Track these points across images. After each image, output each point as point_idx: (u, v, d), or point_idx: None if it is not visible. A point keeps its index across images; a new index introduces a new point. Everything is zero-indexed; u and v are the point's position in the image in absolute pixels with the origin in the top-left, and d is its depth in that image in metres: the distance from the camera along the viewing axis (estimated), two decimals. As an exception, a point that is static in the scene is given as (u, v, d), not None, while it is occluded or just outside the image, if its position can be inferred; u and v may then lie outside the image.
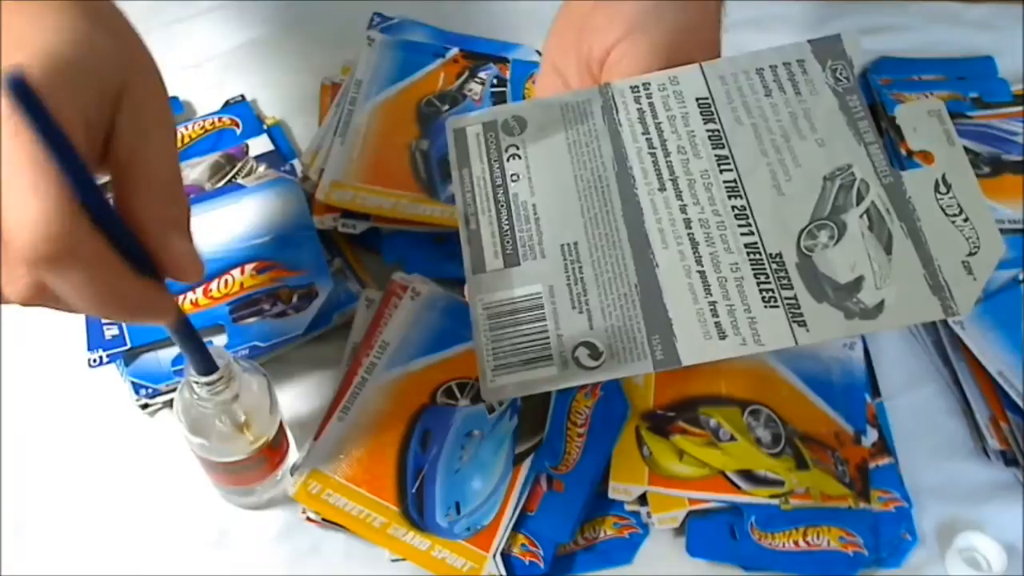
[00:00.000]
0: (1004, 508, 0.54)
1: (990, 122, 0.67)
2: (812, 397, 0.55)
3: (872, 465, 0.53)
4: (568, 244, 0.38)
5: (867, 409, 0.55)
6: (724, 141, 0.39)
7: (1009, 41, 0.72)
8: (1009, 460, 0.55)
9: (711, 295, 0.36)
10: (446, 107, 0.65)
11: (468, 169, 0.40)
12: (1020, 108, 0.68)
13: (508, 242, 0.38)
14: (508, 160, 0.40)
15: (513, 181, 0.40)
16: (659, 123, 0.39)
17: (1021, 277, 0.59)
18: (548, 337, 0.36)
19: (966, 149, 0.64)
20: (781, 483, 0.52)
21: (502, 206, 0.39)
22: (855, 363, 0.57)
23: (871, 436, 0.54)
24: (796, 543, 0.51)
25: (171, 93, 0.66)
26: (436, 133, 0.63)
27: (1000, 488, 0.55)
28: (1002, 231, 0.61)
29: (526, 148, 0.40)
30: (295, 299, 0.56)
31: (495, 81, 0.66)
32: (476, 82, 0.66)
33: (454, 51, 0.68)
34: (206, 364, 0.42)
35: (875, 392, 0.57)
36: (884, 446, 0.55)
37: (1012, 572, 0.51)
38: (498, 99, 0.66)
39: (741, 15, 0.73)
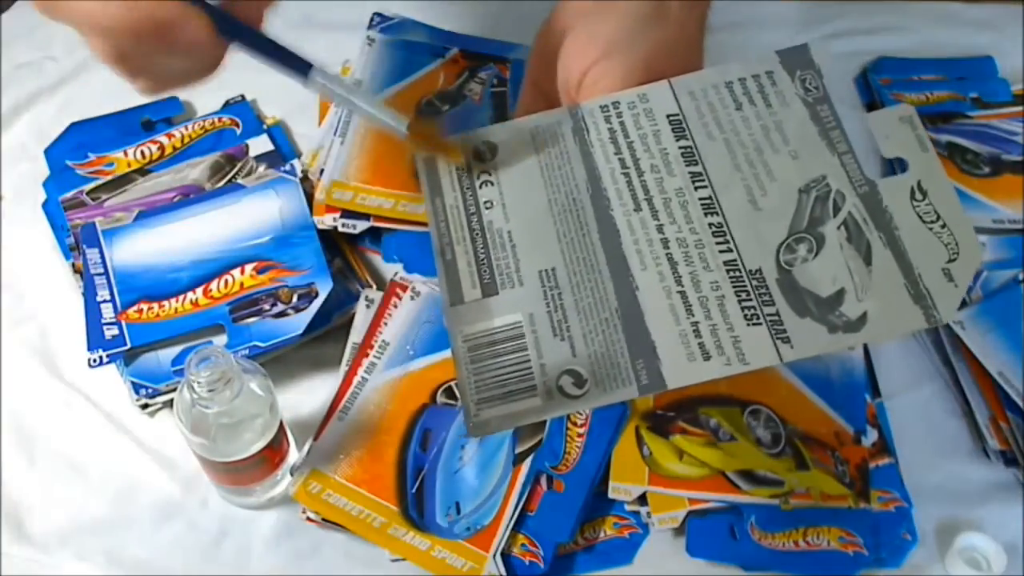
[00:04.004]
0: (1004, 508, 0.54)
1: (990, 122, 0.67)
2: (812, 397, 0.55)
3: (872, 465, 0.53)
4: (546, 270, 0.37)
5: (867, 409, 0.55)
6: (697, 157, 0.38)
7: (1009, 41, 0.72)
8: (1009, 460, 0.55)
9: (693, 315, 0.35)
10: (446, 107, 0.65)
11: (440, 198, 0.39)
12: (1020, 108, 0.68)
13: (485, 271, 0.37)
14: (481, 187, 0.39)
15: (487, 208, 0.39)
16: (631, 142, 0.39)
17: (1021, 277, 0.59)
18: (531, 367, 0.35)
19: (967, 149, 0.65)
20: (781, 483, 0.52)
21: (477, 234, 0.38)
22: (855, 363, 0.57)
23: (871, 436, 0.54)
24: (796, 543, 0.51)
25: (171, 93, 0.67)
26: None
27: (1000, 488, 0.55)
28: (1002, 231, 0.62)
29: (498, 174, 0.39)
30: (295, 299, 0.56)
31: (495, 81, 0.66)
32: (476, 82, 0.66)
33: (454, 51, 0.68)
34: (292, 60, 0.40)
35: (875, 392, 0.57)
36: (884, 446, 0.55)
37: (1012, 572, 0.51)
38: (498, 99, 0.66)
39: (741, 15, 0.73)
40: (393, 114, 0.40)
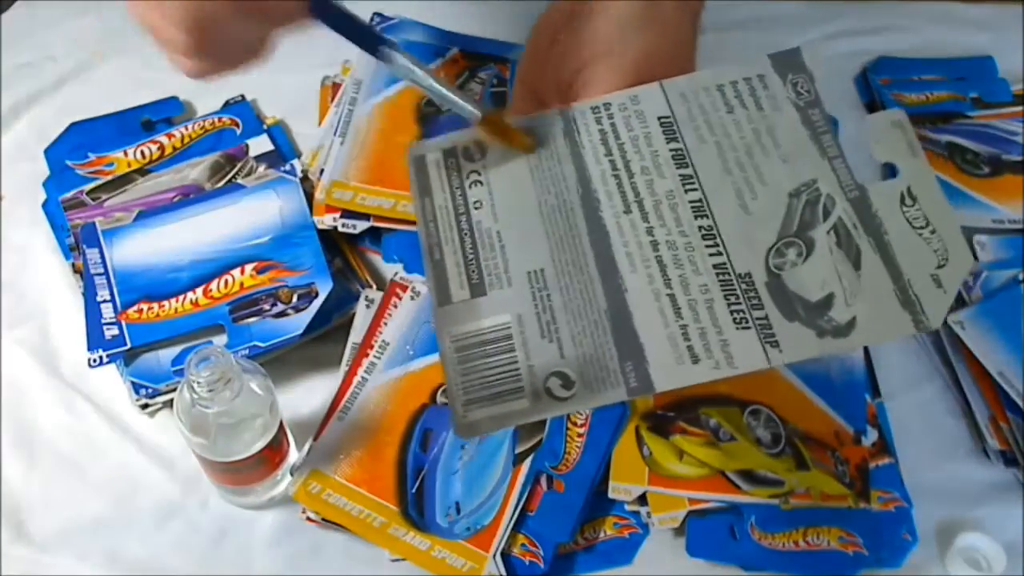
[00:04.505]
0: (1004, 508, 0.54)
1: (990, 122, 0.67)
2: (812, 397, 0.55)
3: (872, 465, 0.53)
4: (535, 271, 0.37)
5: (867, 409, 0.55)
6: (688, 160, 0.38)
7: (1009, 41, 0.72)
8: (1009, 460, 0.55)
9: (681, 318, 0.35)
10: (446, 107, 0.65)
11: (430, 198, 0.39)
12: (1020, 108, 0.68)
13: (473, 271, 0.37)
14: (470, 187, 0.39)
15: (476, 208, 0.39)
16: (622, 144, 0.39)
17: (1021, 277, 0.59)
18: (519, 369, 0.35)
19: (967, 149, 0.65)
20: (781, 483, 0.52)
21: (466, 234, 0.38)
22: (855, 363, 0.57)
23: (871, 436, 0.54)
24: (796, 543, 0.51)
25: (171, 93, 0.67)
26: (436, 133, 0.62)
27: (1000, 488, 0.55)
28: (1002, 231, 0.62)
29: (488, 174, 0.39)
30: (295, 299, 0.56)
31: (495, 81, 0.66)
32: (476, 82, 0.66)
33: (454, 51, 0.68)
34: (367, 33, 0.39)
35: (875, 392, 0.57)
36: (884, 446, 0.55)
37: (1012, 572, 0.51)
38: (498, 99, 0.66)
39: (741, 15, 0.73)
40: (468, 100, 0.39)
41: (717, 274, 0.36)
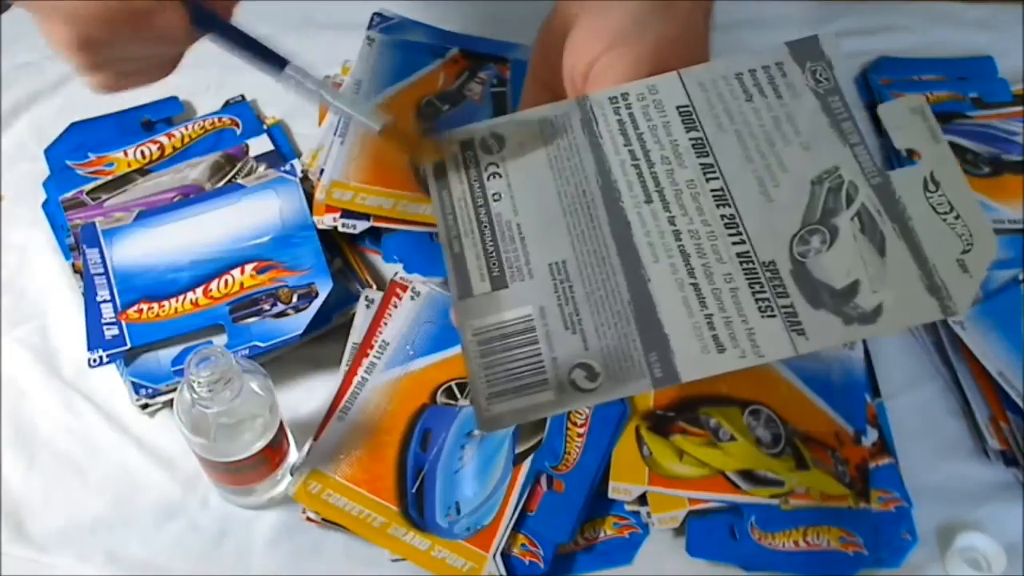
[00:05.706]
0: (1004, 508, 0.54)
1: (990, 122, 0.67)
2: (812, 397, 0.55)
3: (872, 465, 0.53)
4: (556, 263, 0.37)
5: (867, 409, 0.55)
6: (708, 149, 0.38)
7: (1009, 41, 0.72)
8: (1009, 460, 0.55)
9: (706, 308, 0.35)
10: (446, 107, 0.65)
11: (448, 191, 0.39)
12: (1020, 108, 0.68)
13: (494, 264, 0.37)
14: (488, 179, 0.39)
15: (495, 200, 0.38)
16: (641, 133, 0.39)
17: (1021, 277, 0.59)
18: (542, 361, 0.35)
19: (967, 149, 0.65)
20: (781, 483, 0.52)
21: (485, 227, 0.38)
22: (855, 363, 0.57)
23: (871, 436, 0.54)
24: (796, 543, 0.51)
25: (171, 93, 0.67)
26: (438, 131, 0.62)
27: (1000, 488, 0.55)
28: (1002, 231, 0.62)
29: (506, 166, 0.39)
30: (295, 299, 0.56)
31: (495, 81, 0.66)
32: (476, 82, 0.66)
33: (454, 51, 0.68)
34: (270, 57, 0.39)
35: (875, 392, 0.57)
36: (884, 446, 0.55)
37: (1012, 572, 0.51)
38: (498, 99, 0.66)
39: (741, 15, 0.73)
40: (368, 112, 0.39)
41: (741, 263, 0.36)
